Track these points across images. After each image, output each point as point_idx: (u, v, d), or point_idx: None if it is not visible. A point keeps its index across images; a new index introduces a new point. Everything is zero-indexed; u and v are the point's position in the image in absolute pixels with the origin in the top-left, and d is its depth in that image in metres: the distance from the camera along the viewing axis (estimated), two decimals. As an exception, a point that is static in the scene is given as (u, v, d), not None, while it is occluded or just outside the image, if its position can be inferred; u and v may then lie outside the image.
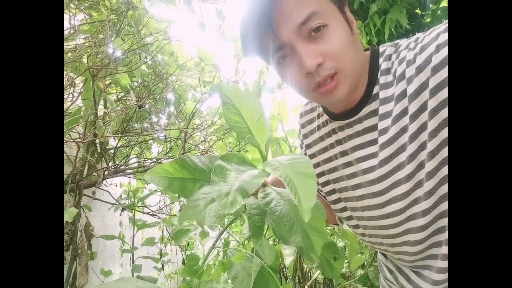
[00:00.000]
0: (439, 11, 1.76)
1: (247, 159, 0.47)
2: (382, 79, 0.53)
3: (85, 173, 1.38)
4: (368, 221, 0.60)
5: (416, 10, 1.99)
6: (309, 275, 1.66)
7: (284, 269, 1.66)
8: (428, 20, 1.91)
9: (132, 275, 1.29)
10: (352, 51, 0.50)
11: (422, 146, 0.48)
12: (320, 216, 0.48)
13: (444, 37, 0.45)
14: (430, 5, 1.96)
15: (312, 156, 0.69)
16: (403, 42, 0.54)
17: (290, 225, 0.44)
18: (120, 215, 2.20)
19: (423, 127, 0.47)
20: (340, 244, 2.38)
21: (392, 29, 1.57)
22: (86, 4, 1.60)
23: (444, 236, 0.50)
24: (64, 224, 1.27)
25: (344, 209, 0.65)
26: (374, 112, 0.54)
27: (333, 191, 0.66)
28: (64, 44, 1.24)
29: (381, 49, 0.56)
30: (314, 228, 0.47)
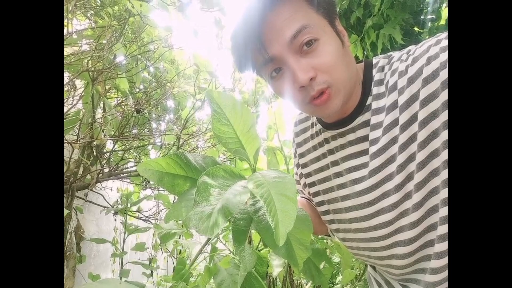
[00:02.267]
0: (435, 30, 1.80)
1: (235, 170, 0.47)
2: (375, 90, 0.54)
3: (79, 175, 1.39)
4: (355, 234, 0.59)
5: (414, 28, 2.02)
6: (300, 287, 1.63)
7: (274, 280, 1.63)
8: (427, 37, 1.94)
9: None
10: (344, 64, 0.50)
11: (412, 157, 0.48)
12: (306, 229, 0.47)
13: (435, 49, 0.45)
14: (429, 24, 2.00)
15: (304, 165, 0.69)
16: (396, 54, 0.55)
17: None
18: (114, 220, 2.19)
19: (412, 138, 0.47)
20: (336, 259, 2.34)
21: (387, 45, 1.60)
22: (92, 12, 1.65)
23: (433, 249, 0.49)
24: (55, 225, 1.26)
25: (332, 221, 0.65)
26: (367, 123, 0.54)
27: (322, 203, 0.66)
28: (67, 47, 1.27)
29: (374, 60, 0.57)
30: (299, 241, 0.47)
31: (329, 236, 0.74)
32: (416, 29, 1.91)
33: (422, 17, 1.92)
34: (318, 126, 0.64)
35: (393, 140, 0.50)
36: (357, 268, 1.45)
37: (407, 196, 0.49)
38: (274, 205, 0.36)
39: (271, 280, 1.55)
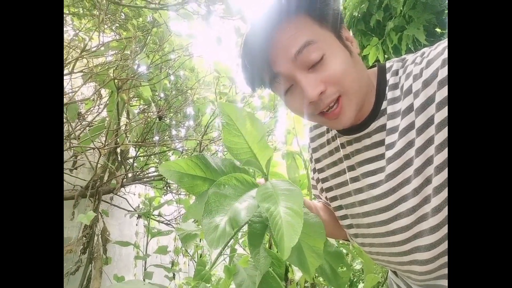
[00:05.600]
0: (459, 29, 1.75)
1: (248, 178, 0.47)
2: (389, 94, 0.54)
3: (105, 179, 1.44)
4: (373, 238, 0.58)
5: (436, 29, 1.98)
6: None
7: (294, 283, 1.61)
8: (449, 38, 1.89)
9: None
10: (353, 73, 0.50)
11: (429, 161, 0.47)
12: (319, 237, 0.46)
13: None
14: (451, 24, 1.95)
15: (321, 170, 0.69)
16: (409, 57, 0.55)
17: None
18: (136, 224, 2.25)
19: (430, 141, 0.47)
20: (358, 266, 2.29)
21: (411, 46, 1.57)
22: (117, 24, 1.74)
23: None
24: (82, 227, 1.32)
25: (350, 225, 0.64)
26: (382, 127, 0.54)
27: (340, 207, 0.65)
28: (94, 58, 1.34)
29: (388, 64, 0.57)
30: (311, 249, 0.46)
31: (348, 240, 0.73)
32: (438, 30, 1.87)
33: (444, 17, 1.88)
34: (334, 132, 0.64)
35: (410, 144, 0.49)
36: (380, 273, 1.42)
37: (426, 200, 0.48)
38: (280, 218, 0.36)
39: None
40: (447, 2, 1.78)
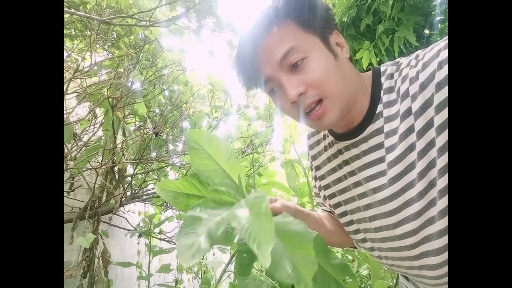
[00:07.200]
0: (447, 30, 1.78)
1: (227, 199, 0.47)
2: (385, 98, 0.54)
3: (103, 199, 1.42)
4: (382, 243, 0.57)
5: (424, 30, 2.01)
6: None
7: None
8: (438, 39, 1.92)
9: (147, 304, 1.26)
10: (337, 77, 0.51)
11: (432, 164, 0.47)
12: (305, 243, 0.43)
13: (446, 53, 0.45)
14: (439, 25, 1.98)
15: (322, 177, 0.68)
16: (403, 60, 0.55)
17: (277, 259, 0.39)
18: (137, 243, 2.21)
19: (431, 144, 0.47)
20: (364, 272, 2.25)
21: (402, 48, 1.59)
22: (109, 43, 1.74)
23: None
24: (82, 250, 1.29)
25: (357, 231, 0.63)
26: (379, 130, 0.54)
27: (345, 213, 0.65)
28: (87, 78, 1.34)
29: (382, 68, 0.57)
30: (302, 258, 0.44)
31: (355, 247, 0.72)
32: (426, 31, 1.89)
33: (431, 18, 1.91)
34: (330, 138, 0.64)
35: (411, 147, 0.49)
36: (389, 279, 1.39)
37: (431, 203, 0.48)
38: (250, 226, 0.34)
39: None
40: (434, 3, 1.81)
